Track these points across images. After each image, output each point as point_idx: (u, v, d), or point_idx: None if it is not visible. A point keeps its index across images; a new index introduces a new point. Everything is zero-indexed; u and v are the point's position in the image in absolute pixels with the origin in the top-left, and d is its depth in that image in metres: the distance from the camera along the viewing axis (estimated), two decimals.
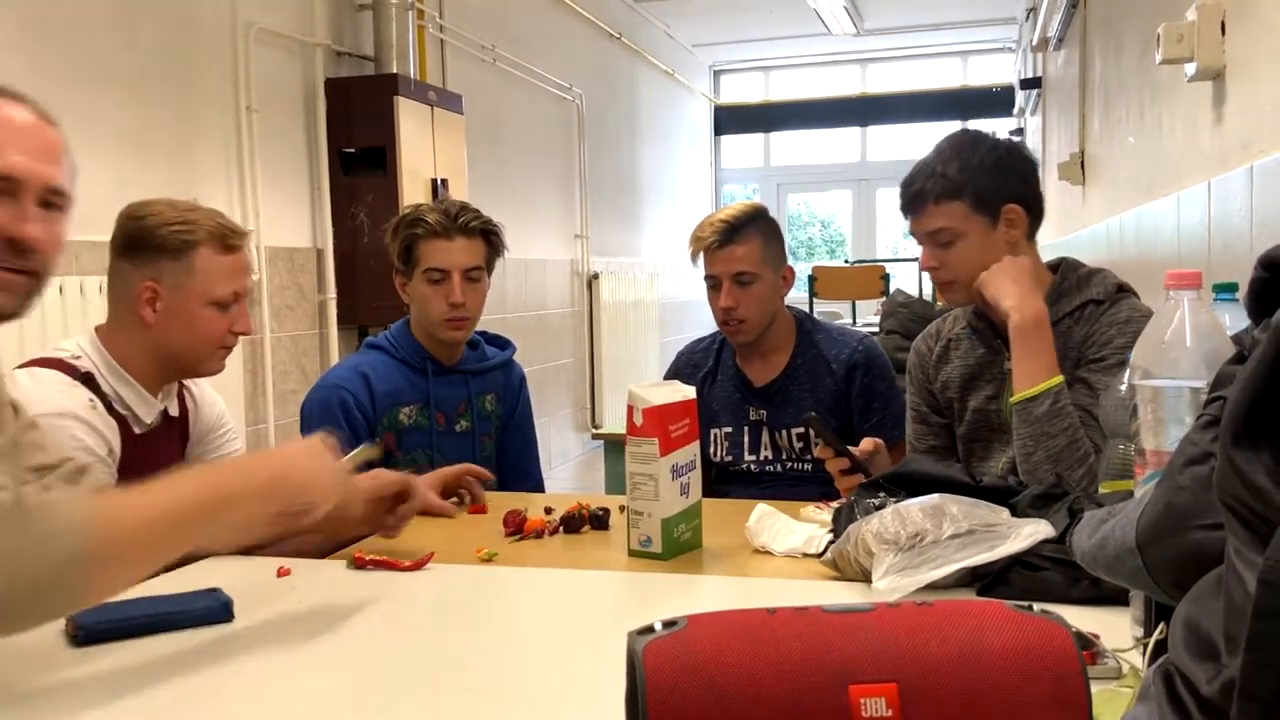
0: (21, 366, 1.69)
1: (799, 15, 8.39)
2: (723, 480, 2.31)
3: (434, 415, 2.16)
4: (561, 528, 1.76)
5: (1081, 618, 1.09)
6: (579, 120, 6.95)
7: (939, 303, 4.16)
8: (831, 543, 1.48)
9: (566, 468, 6.78)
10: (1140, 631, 1.08)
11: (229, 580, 1.40)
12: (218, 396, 1.95)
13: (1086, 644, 1.06)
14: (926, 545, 1.32)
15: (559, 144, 6.75)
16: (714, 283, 2.24)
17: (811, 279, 6.33)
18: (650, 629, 0.69)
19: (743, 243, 2.20)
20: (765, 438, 2.27)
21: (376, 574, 1.52)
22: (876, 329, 3.48)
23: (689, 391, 1.65)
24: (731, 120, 10.70)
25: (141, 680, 1.12)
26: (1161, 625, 0.92)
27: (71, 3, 3.06)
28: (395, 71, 4.39)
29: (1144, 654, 0.99)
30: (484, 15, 5.63)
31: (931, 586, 1.29)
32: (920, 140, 9.72)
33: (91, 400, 1.65)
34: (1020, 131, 8.42)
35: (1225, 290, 1.07)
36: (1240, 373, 0.62)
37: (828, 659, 0.66)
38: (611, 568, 1.58)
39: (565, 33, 6.80)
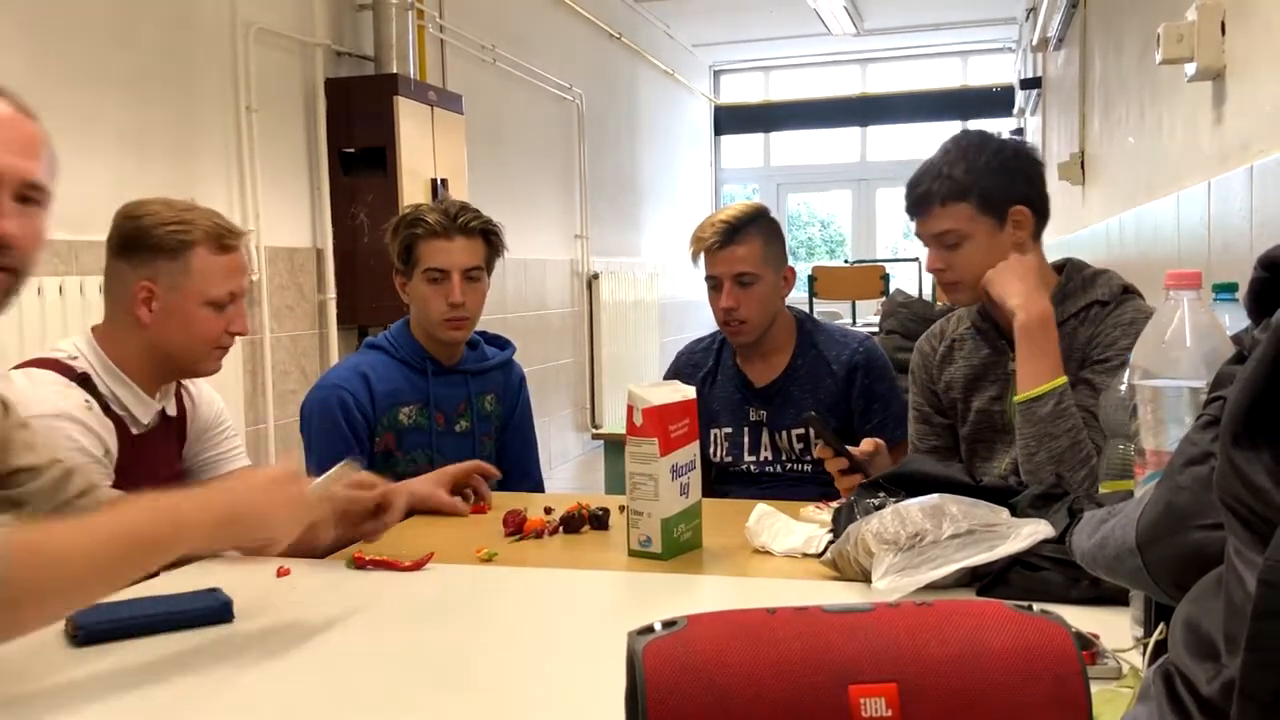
0: (18, 367, 1.68)
1: (799, 15, 8.39)
2: (722, 480, 2.31)
3: (434, 415, 2.16)
4: (561, 528, 1.76)
5: (1081, 618, 1.09)
6: (579, 120, 6.95)
7: (939, 303, 4.16)
8: (831, 543, 1.48)
9: (566, 468, 6.78)
10: (1140, 631, 1.08)
11: (229, 580, 1.39)
12: (216, 395, 1.94)
13: (1086, 644, 1.06)
14: (926, 545, 1.32)
15: (559, 144, 6.75)
16: (715, 283, 2.23)
17: (811, 279, 6.33)
18: (650, 629, 0.69)
19: (744, 243, 2.20)
20: (765, 438, 2.27)
21: (376, 574, 1.52)
22: (876, 329, 3.47)
23: (689, 391, 1.65)
24: (731, 120, 10.70)
25: (141, 680, 1.12)
26: (1161, 625, 0.92)
27: (71, 3, 3.06)
28: (395, 71, 4.39)
29: (1144, 654, 0.99)
30: (484, 15, 5.63)
31: (931, 586, 1.29)
32: (920, 140, 9.76)
33: (88, 401, 1.64)
34: (1020, 131, 8.41)
35: (1225, 290, 1.07)
36: (1240, 373, 0.62)
37: (828, 659, 0.66)
38: (611, 568, 1.58)
39: (565, 33, 6.80)
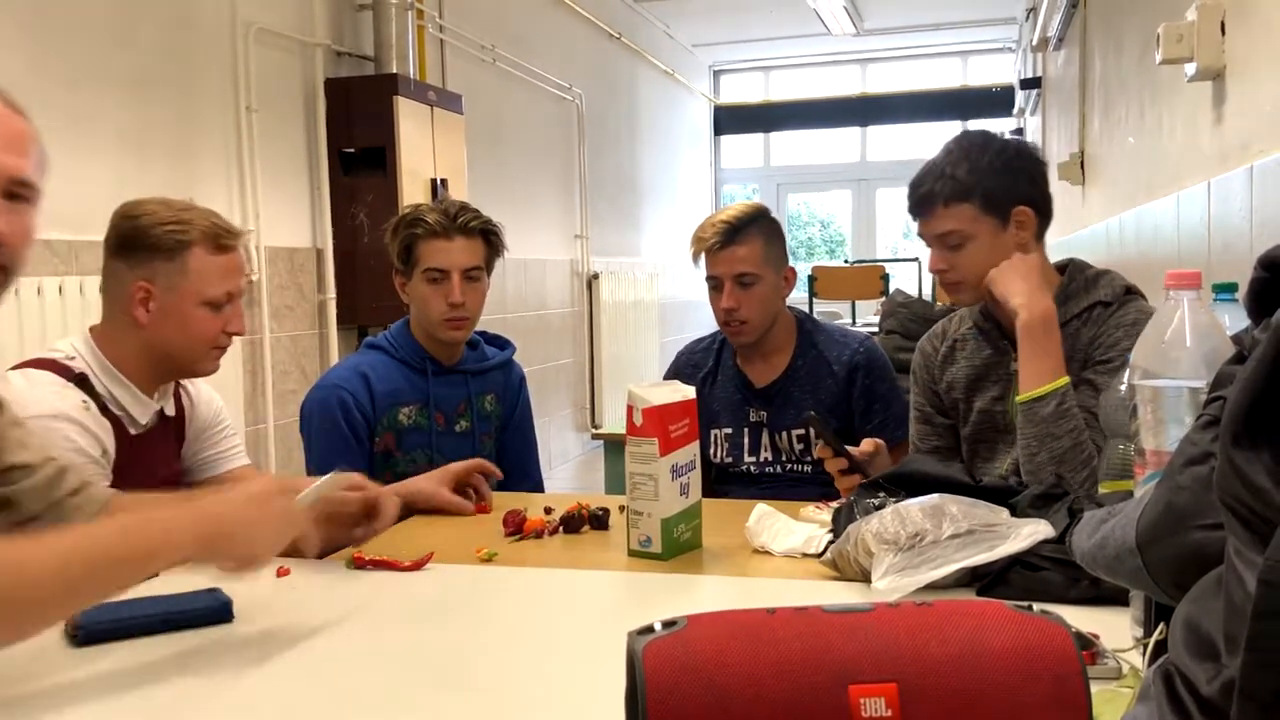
0: (16, 368, 1.68)
1: (799, 15, 8.39)
2: (722, 481, 2.31)
3: (434, 415, 2.16)
4: (561, 528, 1.76)
5: (1081, 618, 1.09)
6: (579, 120, 6.95)
7: (939, 303, 4.16)
8: (831, 543, 1.48)
9: (566, 468, 6.78)
10: (1140, 631, 1.08)
11: (229, 580, 1.39)
12: (214, 394, 1.94)
13: (1086, 644, 1.06)
14: (926, 545, 1.32)
15: (559, 144, 6.75)
16: (715, 283, 2.23)
17: (811, 279, 6.33)
18: (650, 629, 0.69)
19: (745, 243, 2.19)
20: (765, 439, 2.27)
21: (376, 574, 1.52)
22: (876, 329, 3.47)
23: (689, 391, 1.65)
24: (731, 120, 10.70)
25: (141, 680, 1.12)
26: (1161, 625, 0.92)
27: (71, 3, 3.06)
28: (395, 71, 4.39)
29: (1144, 654, 0.99)
30: (484, 15, 5.63)
31: (931, 586, 1.29)
32: (920, 140, 9.76)
33: (85, 402, 1.64)
34: (1020, 131, 8.42)
35: (1225, 290, 1.07)
36: (1240, 373, 0.62)
37: (828, 659, 0.66)
38: (611, 568, 1.58)
39: (565, 33, 6.80)
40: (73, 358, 1.69)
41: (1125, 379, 1.10)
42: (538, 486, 2.37)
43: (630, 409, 1.57)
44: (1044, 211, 1.82)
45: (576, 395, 7.06)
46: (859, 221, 10.73)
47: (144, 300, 1.69)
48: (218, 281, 1.72)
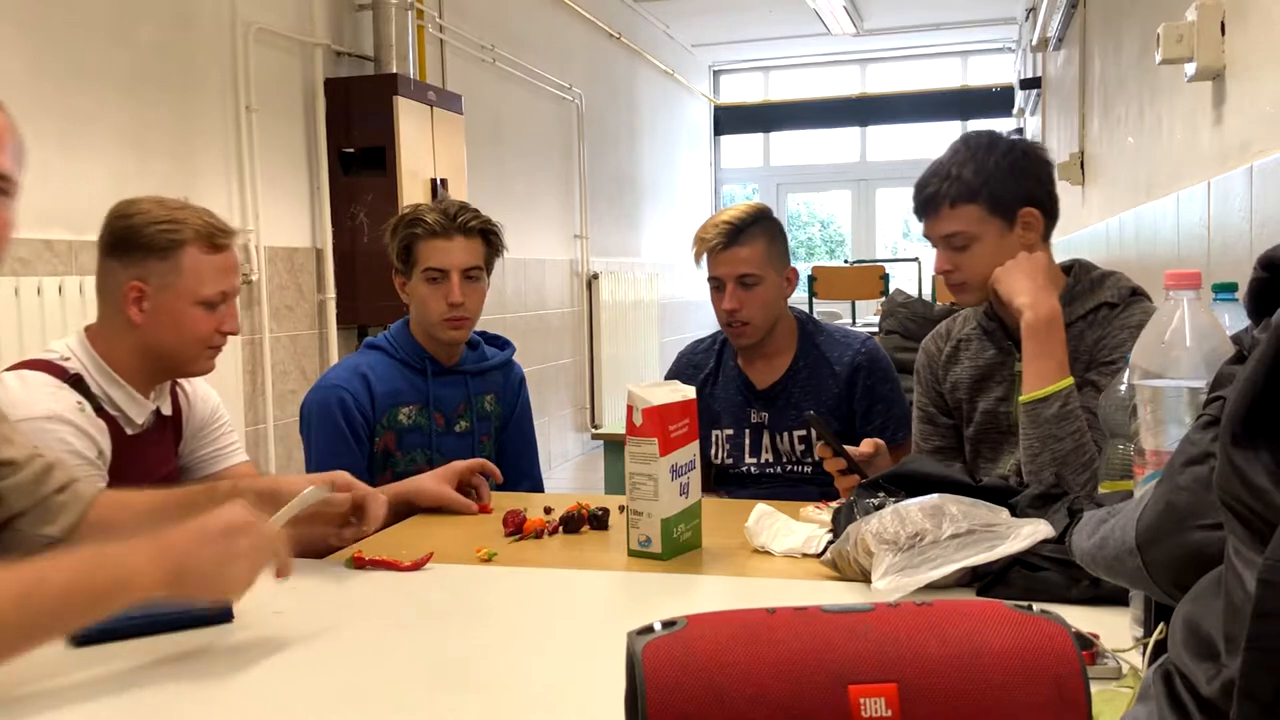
0: (11, 369, 1.67)
1: (799, 15, 8.39)
2: (722, 482, 2.31)
3: (433, 415, 2.16)
4: (561, 528, 1.76)
5: (1081, 618, 1.09)
6: (579, 120, 6.95)
7: (939, 303, 4.16)
8: (831, 543, 1.48)
9: (566, 468, 6.78)
10: (1140, 631, 1.08)
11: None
12: (211, 391, 1.93)
13: (1086, 644, 1.06)
14: (926, 545, 1.32)
15: (559, 144, 6.75)
16: (717, 284, 2.23)
17: (811, 279, 6.34)
18: (650, 629, 0.69)
19: (747, 244, 2.19)
20: (766, 440, 2.27)
21: (376, 574, 1.52)
22: (876, 329, 3.47)
23: (689, 391, 1.64)
24: (731, 120, 10.70)
25: (141, 680, 1.12)
26: (1161, 625, 0.92)
27: (71, 3, 3.06)
28: (395, 71, 4.39)
29: (1144, 654, 0.99)
30: (484, 15, 5.63)
31: (931, 586, 1.29)
32: (920, 140, 9.77)
33: (80, 403, 1.63)
34: (1020, 132, 8.41)
35: (1225, 290, 1.07)
36: (1240, 373, 0.62)
37: (827, 659, 0.66)
38: (611, 568, 1.58)
39: (565, 33, 6.80)
40: (68, 359, 1.68)
41: (1125, 379, 1.10)
42: (537, 486, 2.36)
43: (630, 409, 1.57)
44: (1050, 212, 1.81)
45: (576, 395, 7.06)
46: (859, 221, 10.73)
47: (138, 300, 1.68)
48: (212, 281, 1.71)
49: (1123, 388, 1.20)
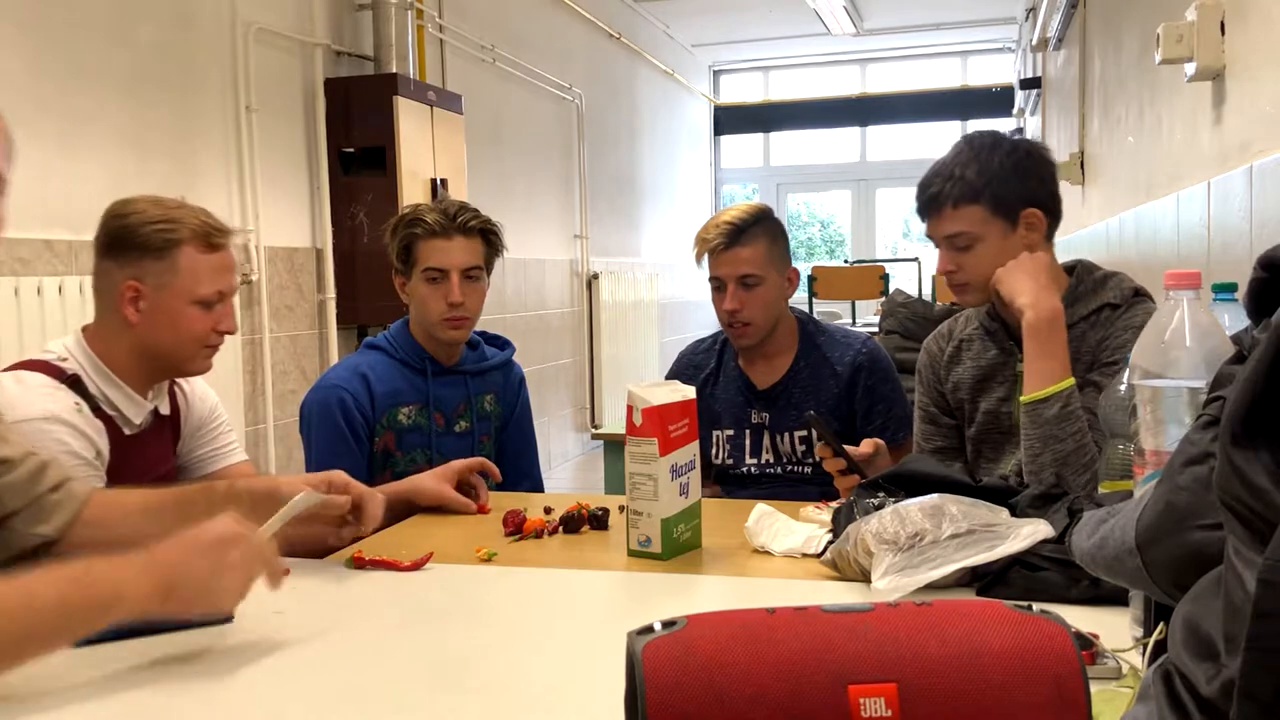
0: (8, 369, 1.67)
1: (798, 15, 8.39)
2: (722, 482, 2.31)
3: (433, 416, 2.16)
4: (561, 528, 1.76)
5: (1081, 618, 1.09)
6: (579, 120, 6.95)
7: (939, 303, 4.16)
8: (831, 543, 1.48)
9: (566, 468, 6.78)
10: (1140, 631, 1.08)
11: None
12: (209, 390, 1.93)
13: (1086, 644, 1.06)
14: (926, 545, 1.32)
15: (559, 144, 6.75)
16: (718, 285, 2.22)
17: (811, 279, 6.34)
18: (650, 629, 0.69)
19: (748, 245, 2.19)
20: (766, 441, 2.26)
21: (376, 574, 1.52)
22: (876, 329, 3.48)
23: (688, 391, 1.64)
24: (731, 120, 10.70)
25: (141, 680, 1.12)
26: (1161, 625, 0.92)
27: (71, 3, 3.06)
28: (395, 71, 4.39)
29: (1144, 654, 0.99)
30: (484, 15, 5.63)
31: (931, 586, 1.29)
32: (920, 140, 9.76)
33: (77, 403, 1.63)
34: (1020, 132, 8.40)
35: (1224, 290, 1.07)
36: (1240, 373, 0.62)
37: (827, 659, 0.66)
38: (611, 568, 1.58)
39: (565, 33, 6.80)
40: (65, 359, 1.67)
41: (1125, 379, 1.10)
42: (537, 486, 2.36)
43: (630, 409, 1.57)
44: (1053, 213, 1.81)
45: (576, 395, 7.07)
46: (859, 221, 10.74)
47: (134, 299, 1.68)
48: (208, 280, 1.71)
49: (1123, 388, 1.20)
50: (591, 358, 7.20)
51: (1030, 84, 7.35)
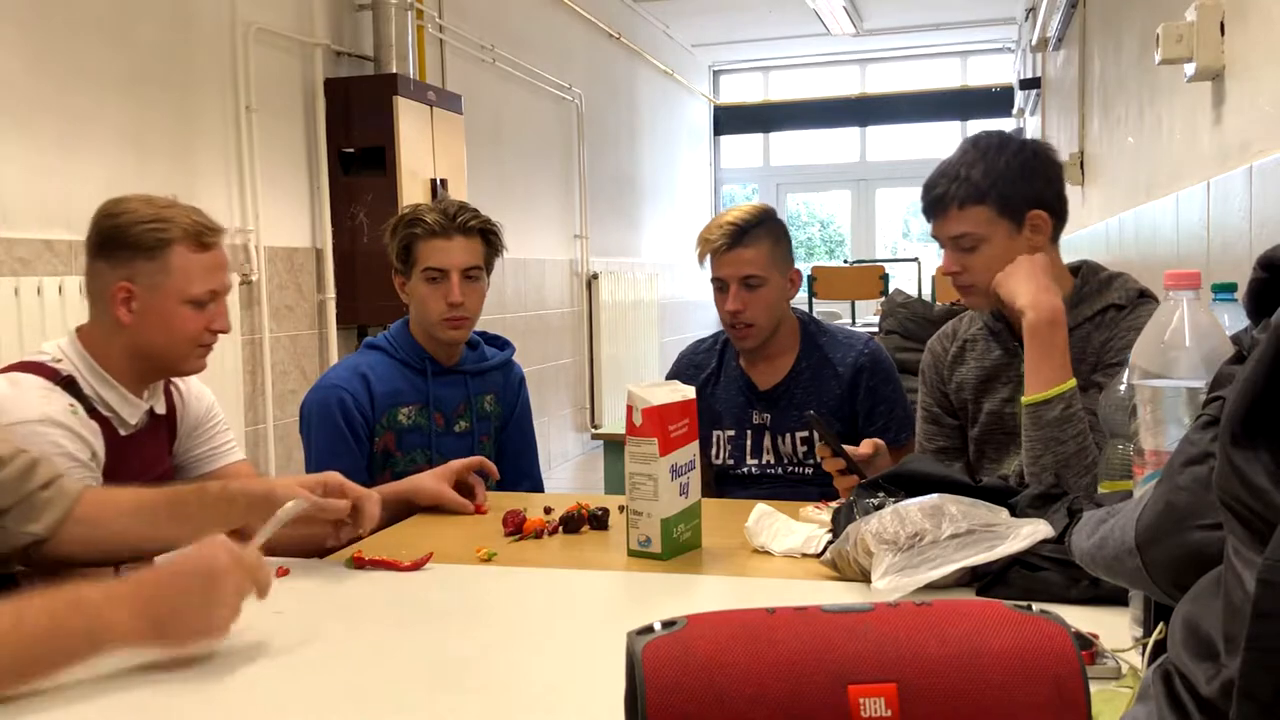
0: (2, 371, 1.66)
1: (798, 15, 8.39)
2: (721, 482, 2.31)
3: (433, 416, 2.16)
4: (561, 528, 1.76)
5: (1081, 618, 1.09)
6: (578, 120, 6.95)
7: (939, 303, 4.16)
8: (830, 543, 1.48)
9: (566, 468, 6.78)
10: (1140, 631, 1.08)
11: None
12: (205, 390, 1.92)
13: (1086, 644, 1.06)
14: (926, 545, 1.32)
15: (559, 144, 6.75)
16: (721, 285, 2.21)
17: (811, 279, 6.34)
18: (650, 629, 0.69)
19: (751, 245, 2.18)
20: (767, 442, 2.26)
21: (376, 574, 1.52)
22: (875, 329, 3.48)
23: (688, 391, 1.64)
24: (731, 120, 10.71)
25: (141, 680, 1.12)
26: (1161, 625, 0.92)
27: (71, 3, 3.07)
28: (395, 71, 4.39)
29: (1143, 654, 0.99)
30: (483, 15, 5.63)
31: (931, 586, 1.29)
32: (920, 140, 9.76)
33: (72, 405, 1.62)
34: (1020, 132, 8.41)
35: (1224, 290, 1.07)
36: (1239, 373, 0.62)
37: (827, 659, 0.66)
38: (611, 568, 1.58)
39: (565, 33, 6.80)
40: (59, 360, 1.67)
41: (1125, 379, 1.10)
42: (537, 486, 2.36)
43: (630, 409, 1.57)
44: (1059, 214, 1.80)
45: (576, 395, 7.07)
46: (858, 221, 10.74)
47: (126, 300, 1.67)
48: (200, 279, 1.69)
49: (1122, 388, 1.20)
50: (591, 358, 7.20)
51: (1030, 84, 7.36)
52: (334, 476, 1.52)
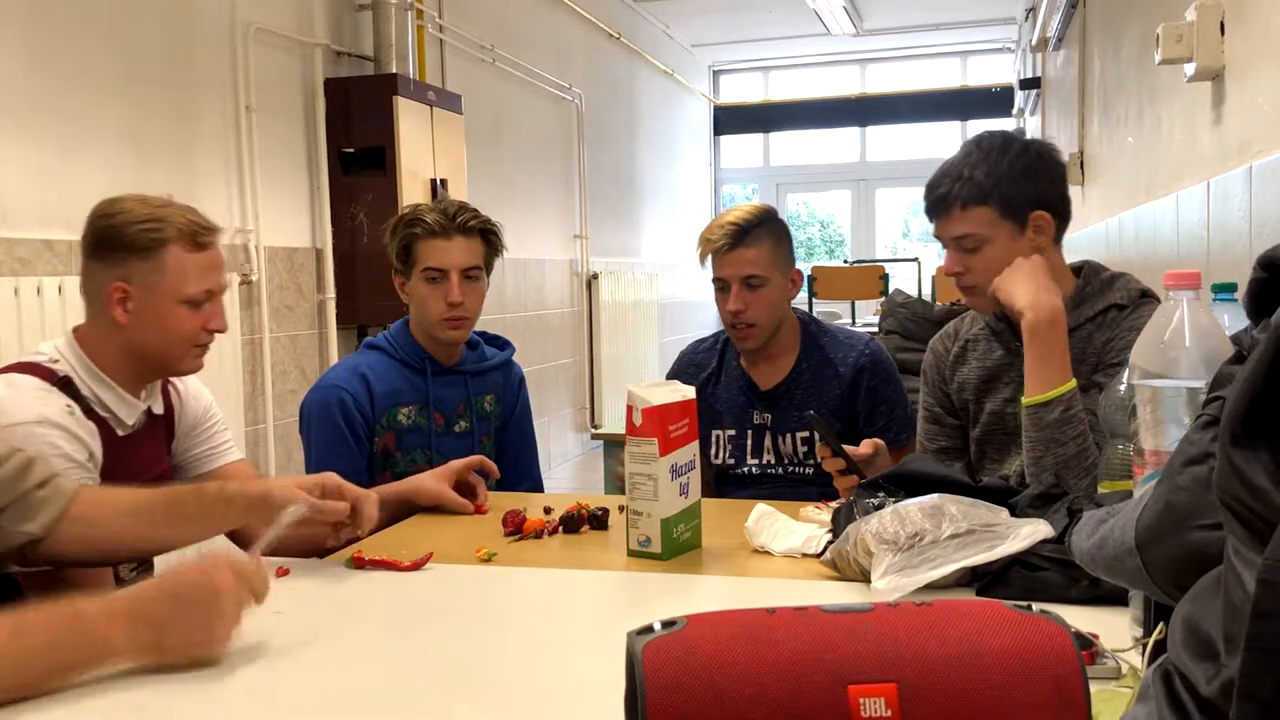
0: (0, 372, 1.66)
1: (798, 15, 8.39)
2: (721, 482, 2.31)
3: (433, 416, 2.16)
4: (561, 528, 1.76)
5: (1081, 618, 1.09)
6: (578, 120, 6.95)
7: (939, 303, 4.16)
8: (830, 543, 1.48)
9: (566, 468, 6.78)
10: (1140, 631, 1.08)
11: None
12: (203, 389, 1.92)
13: (1086, 644, 1.06)
14: (926, 545, 1.32)
15: (558, 144, 6.75)
16: (722, 285, 2.21)
17: (811, 279, 6.34)
18: (650, 629, 0.69)
19: (752, 245, 2.18)
20: (767, 442, 2.26)
21: (376, 574, 1.52)
22: (875, 329, 3.48)
23: (688, 391, 1.64)
24: (731, 120, 10.71)
25: (142, 680, 1.12)
26: (1161, 625, 0.92)
27: (71, 3, 3.06)
28: (394, 71, 4.39)
29: (1143, 654, 0.99)
30: (483, 15, 5.63)
31: (931, 586, 1.29)
32: (920, 140, 9.76)
33: (69, 406, 1.61)
34: (1021, 132, 8.40)
35: (1224, 290, 1.07)
36: (1239, 373, 0.62)
37: (827, 659, 0.66)
38: (611, 568, 1.58)
39: (565, 33, 6.80)
40: (56, 360, 1.66)
41: (1125, 379, 1.10)
42: (537, 486, 2.36)
43: (630, 409, 1.57)
44: (1062, 215, 1.79)
45: (576, 395, 7.06)
46: (858, 221, 10.73)
47: (121, 300, 1.66)
48: (196, 279, 1.69)
49: (1122, 388, 1.20)
50: (591, 358, 7.20)
51: (1030, 84, 7.35)
52: (332, 478, 1.52)
